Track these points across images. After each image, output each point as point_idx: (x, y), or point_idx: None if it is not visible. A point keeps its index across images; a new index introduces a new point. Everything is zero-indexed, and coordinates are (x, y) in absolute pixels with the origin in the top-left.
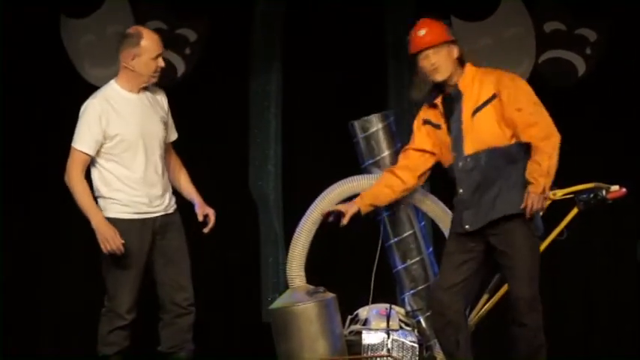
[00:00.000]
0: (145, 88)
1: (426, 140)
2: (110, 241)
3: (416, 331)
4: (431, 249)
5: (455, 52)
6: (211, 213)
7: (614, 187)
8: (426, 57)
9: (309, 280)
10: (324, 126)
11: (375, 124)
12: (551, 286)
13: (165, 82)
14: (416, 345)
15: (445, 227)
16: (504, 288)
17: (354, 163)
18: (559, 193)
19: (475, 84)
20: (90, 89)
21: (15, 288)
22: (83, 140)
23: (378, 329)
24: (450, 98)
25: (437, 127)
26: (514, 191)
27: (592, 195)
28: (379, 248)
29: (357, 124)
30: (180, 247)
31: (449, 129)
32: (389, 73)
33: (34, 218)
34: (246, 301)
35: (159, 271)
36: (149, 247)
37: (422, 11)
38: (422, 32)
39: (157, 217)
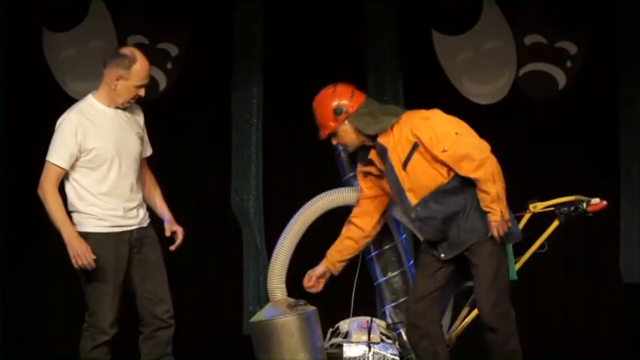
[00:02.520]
0: None
1: (373, 188)
2: (82, 256)
3: (397, 343)
4: (412, 262)
5: (350, 127)
6: (179, 231)
7: (595, 200)
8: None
9: (290, 293)
10: (305, 138)
11: None
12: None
13: (146, 96)
14: (397, 358)
15: None
16: None
17: (335, 176)
18: (539, 206)
19: (394, 137)
20: (71, 103)
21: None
22: (58, 154)
23: (359, 342)
24: (378, 153)
25: (379, 177)
26: (472, 218)
27: (572, 208)
28: (360, 261)
29: None
30: (156, 260)
31: (389, 183)
32: (369, 85)
33: (21, 230)
34: (227, 313)
35: (137, 284)
36: (126, 261)
37: (403, 24)
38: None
39: (132, 230)
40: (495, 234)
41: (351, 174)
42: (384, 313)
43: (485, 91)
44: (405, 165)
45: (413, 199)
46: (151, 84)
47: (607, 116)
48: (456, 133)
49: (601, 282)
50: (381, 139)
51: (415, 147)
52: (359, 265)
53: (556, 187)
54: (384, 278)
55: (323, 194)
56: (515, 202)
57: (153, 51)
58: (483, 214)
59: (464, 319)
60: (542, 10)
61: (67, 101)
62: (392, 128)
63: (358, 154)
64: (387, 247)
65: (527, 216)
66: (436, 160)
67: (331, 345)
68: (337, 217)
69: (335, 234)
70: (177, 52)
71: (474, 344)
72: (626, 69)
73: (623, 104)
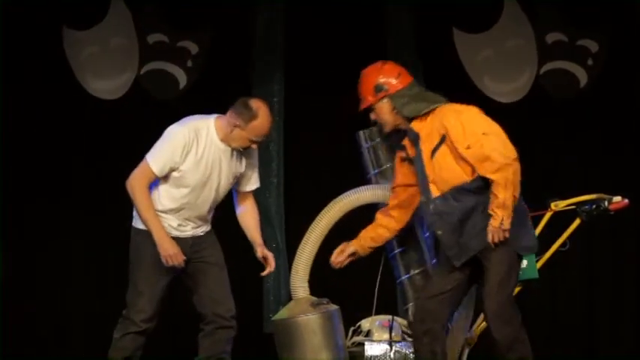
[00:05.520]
0: None
1: (409, 175)
2: (173, 257)
3: None
4: (435, 260)
5: (387, 106)
6: (270, 256)
7: (617, 198)
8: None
9: (312, 292)
10: (328, 136)
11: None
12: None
13: (167, 94)
14: None
15: None
16: None
17: (357, 175)
18: (561, 205)
19: (427, 125)
20: (92, 101)
21: (14, 290)
22: (160, 161)
23: (380, 340)
24: (411, 139)
25: (412, 163)
26: (487, 223)
27: (594, 206)
28: (383, 259)
29: (362, 133)
30: (217, 262)
31: (416, 171)
32: None
33: (34, 224)
34: (248, 312)
35: (199, 285)
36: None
37: (424, 23)
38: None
39: (186, 237)
40: (490, 239)
41: (375, 172)
42: (406, 311)
43: (506, 89)
44: (432, 155)
45: (434, 192)
46: (171, 82)
47: (628, 114)
48: (484, 133)
49: (625, 281)
50: (414, 125)
51: (443, 139)
52: (382, 263)
53: (578, 185)
54: (407, 276)
55: (348, 192)
56: (537, 200)
57: (173, 49)
58: None
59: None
60: (564, 9)
61: (87, 100)
62: (427, 115)
63: (393, 138)
64: (410, 244)
65: (548, 214)
66: (461, 156)
67: (353, 343)
68: (361, 216)
69: (358, 233)
70: (197, 50)
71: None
72: None
73: None
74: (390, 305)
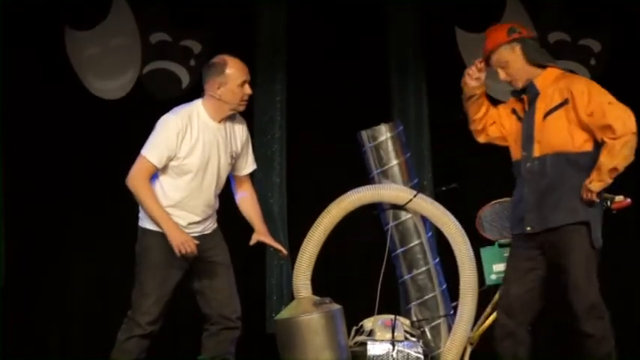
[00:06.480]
0: (228, 118)
1: (506, 123)
2: (185, 244)
3: (421, 342)
4: (437, 259)
5: (519, 53)
6: (268, 240)
7: (619, 198)
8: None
9: (315, 291)
10: (330, 137)
11: (384, 133)
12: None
13: (169, 93)
14: (421, 356)
15: (452, 238)
16: None
17: (359, 174)
18: None
19: (550, 86)
20: (94, 101)
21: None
22: (156, 152)
23: (383, 340)
24: (529, 96)
25: (520, 119)
26: (575, 199)
27: None
28: (385, 258)
29: (365, 133)
30: (224, 263)
31: (523, 127)
32: (392, 86)
33: (35, 223)
34: (251, 312)
35: (205, 286)
36: (186, 265)
37: (426, 23)
38: (486, 41)
39: (194, 237)
40: (582, 194)
41: (378, 171)
42: (409, 310)
43: (508, 89)
44: (546, 115)
45: (536, 151)
46: (174, 81)
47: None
48: (609, 102)
49: (623, 282)
50: (538, 81)
51: (564, 103)
52: (384, 262)
53: None
54: (410, 275)
55: (350, 192)
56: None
57: (175, 48)
58: (586, 202)
59: (486, 318)
60: (566, 8)
61: (89, 99)
62: (552, 76)
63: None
64: (413, 244)
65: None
66: (578, 124)
67: (355, 343)
68: (363, 216)
69: (360, 233)
70: (200, 49)
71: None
72: None
73: None
74: (392, 305)
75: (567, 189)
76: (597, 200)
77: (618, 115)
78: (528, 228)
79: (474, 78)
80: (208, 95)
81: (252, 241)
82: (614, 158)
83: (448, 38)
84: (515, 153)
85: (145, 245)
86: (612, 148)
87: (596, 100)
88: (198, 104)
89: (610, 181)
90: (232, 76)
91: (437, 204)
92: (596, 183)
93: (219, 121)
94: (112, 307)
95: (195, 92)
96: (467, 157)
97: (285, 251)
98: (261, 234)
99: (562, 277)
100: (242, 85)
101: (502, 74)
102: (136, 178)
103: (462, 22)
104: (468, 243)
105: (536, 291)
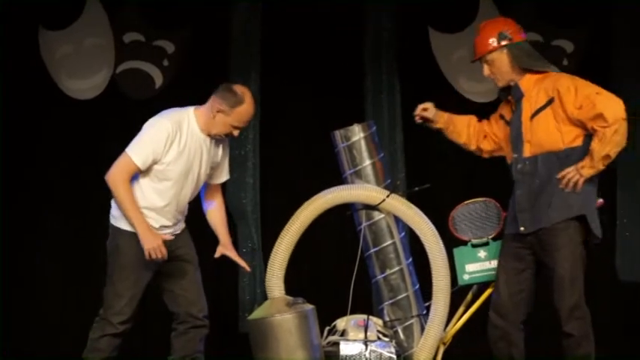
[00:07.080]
0: None
1: (497, 131)
2: (156, 250)
3: (394, 341)
4: (410, 259)
5: (507, 57)
6: (233, 255)
7: None
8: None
9: (288, 291)
10: (303, 136)
11: (357, 133)
12: None
13: (143, 93)
14: (394, 356)
15: (426, 239)
16: (479, 301)
17: (332, 174)
18: None
19: (535, 86)
20: (67, 101)
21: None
22: (141, 153)
23: (355, 340)
24: (514, 97)
25: (508, 123)
26: (569, 196)
27: None
28: (358, 258)
29: (338, 133)
30: (191, 261)
31: (511, 128)
32: (366, 85)
33: (18, 223)
34: (223, 311)
35: (172, 284)
36: (157, 263)
37: (401, 22)
38: (476, 39)
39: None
40: (564, 174)
41: (351, 171)
42: (381, 310)
43: (481, 89)
44: (533, 116)
45: (526, 152)
46: (147, 81)
47: None
48: (597, 93)
49: (598, 280)
50: (522, 83)
51: (550, 102)
52: (357, 262)
53: None
54: (382, 275)
55: (324, 192)
56: (507, 199)
57: (149, 48)
58: (581, 196)
59: (459, 318)
60: (539, 8)
61: (62, 99)
62: (537, 76)
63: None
64: (386, 244)
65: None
66: (567, 120)
67: (328, 343)
68: (337, 216)
69: (333, 233)
70: (173, 49)
71: (471, 343)
72: (623, 67)
73: None
74: (365, 305)
75: (556, 189)
76: (580, 185)
77: (608, 103)
78: (522, 228)
79: (420, 119)
80: (206, 108)
81: (217, 254)
82: (607, 145)
83: (422, 39)
84: (509, 156)
85: (117, 245)
86: (604, 135)
87: (584, 93)
88: (190, 112)
89: (602, 167)
90: (236, 116)
91: (410, 204)
92: (587, 169)
93: (207, 135)
94: (83, 305)
95: (168, 92)
96: (440, 157)
97: (248, 268)
98: (226, 247)
99: (548, 274)
100: (236, 127)
101: (487, 70)
102: (116, 176)
103: (435, 23)
104: (441, 243)
105: (527, 291)
